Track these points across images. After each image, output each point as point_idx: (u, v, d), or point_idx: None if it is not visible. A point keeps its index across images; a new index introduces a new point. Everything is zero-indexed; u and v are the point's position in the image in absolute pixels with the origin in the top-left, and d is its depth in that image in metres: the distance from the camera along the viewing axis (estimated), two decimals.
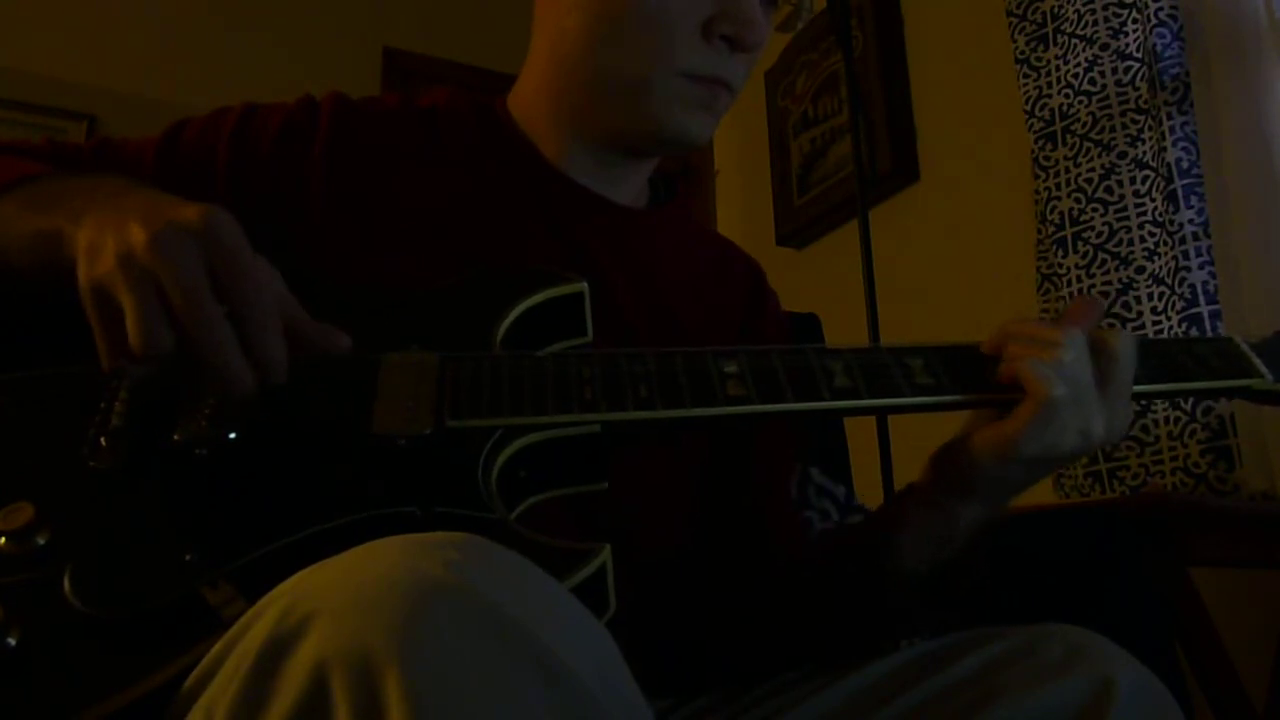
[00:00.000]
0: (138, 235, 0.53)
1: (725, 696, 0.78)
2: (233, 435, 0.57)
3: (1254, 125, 1.73)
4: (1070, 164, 2.02)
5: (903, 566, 0.73)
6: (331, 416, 0.59)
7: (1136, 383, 0.67)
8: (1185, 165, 1.82)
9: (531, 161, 0.86)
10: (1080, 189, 1.99)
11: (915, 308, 2.43)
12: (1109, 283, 1.91)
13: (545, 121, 0.87)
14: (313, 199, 0.79)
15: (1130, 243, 1.89)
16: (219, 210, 0.54)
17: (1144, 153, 1.90)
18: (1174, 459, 1.74)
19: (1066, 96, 2.05)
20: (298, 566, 0.43)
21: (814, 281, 2.68)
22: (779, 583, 0.83)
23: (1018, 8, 2.19)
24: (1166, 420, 1.78)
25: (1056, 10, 2.10)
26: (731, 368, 0.64)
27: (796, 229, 2.95)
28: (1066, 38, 2.07)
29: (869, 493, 1.59)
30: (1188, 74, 1.87)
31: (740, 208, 3.36)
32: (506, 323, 0.68)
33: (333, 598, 0.39)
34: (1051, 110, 2.08)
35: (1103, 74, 1.99)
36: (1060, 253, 2.00)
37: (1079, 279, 1.96)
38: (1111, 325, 1.78)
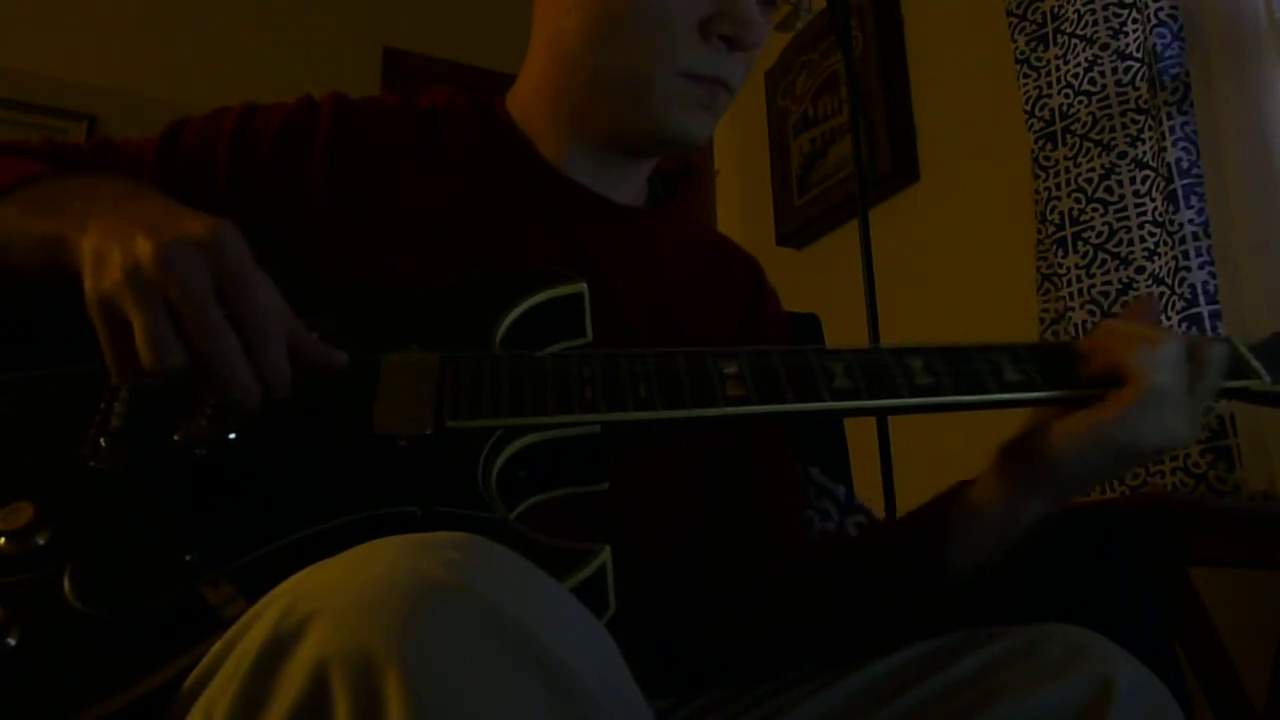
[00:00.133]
0: (144, 248, 0.52)
1: (725, 696, 0.78)
2: (232, 435, 0.57)
3: (1254, 125, 1.73)
4: (1070, 164, 2.02)
5: (951, 564, 0.72)
6: (332, 417, 0.59)
7: None
8: (1185, 165, 1.82)
9: (531, 161, 0.86)
10: (1080, 189, 1.99)
11: (915, 308, 2.43)
12: (1109, 283, 1.91)
13: (545, 121, 0.87)
14: (313, 199, 0.79)
15: (1130, 243, 1.89)
16: (225, 224, 0.54)
17: (1144, 153, 1.90)
18: (1174, 459, 1.74)
19: (1066, 96, 2.05)
20: (298, 566, 0.43)
21: (814, 281, 2.68)
22: (779, 583, 0.83)
23: (1018, 8, 2.19)
24: None
25: (1056, 10, 2.10)
26: (731, 368, 0.64)
27: (796, 229, 2.95)
28: (1066, 38, 2.07)
29: (869, 493, 1.59)
30: (1188, 74, 1.87)
31: (740, 208, 3.36)
32: (506, 323, 0.68)
33: (333, 598, 0.39)
34: (1051, 110, 2.08)
35: (1103, 74, 1.99)
36: (1060, 253, 2.00)
37: (1079, 279, 1.96)
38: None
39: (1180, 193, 1.81)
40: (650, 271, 0.87)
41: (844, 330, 1.65)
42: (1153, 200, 1.87)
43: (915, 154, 2.58)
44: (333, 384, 0.60)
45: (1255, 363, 0.71)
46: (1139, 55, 1.93)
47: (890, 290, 2.20)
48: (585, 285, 0.72)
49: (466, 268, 0.74)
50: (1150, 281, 1.85)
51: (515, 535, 0.53)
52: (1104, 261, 1.92)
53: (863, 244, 2.09)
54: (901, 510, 1.46)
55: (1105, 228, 1.93)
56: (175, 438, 0.57)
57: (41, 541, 0.51)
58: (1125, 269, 1.89)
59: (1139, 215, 1.89)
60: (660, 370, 0.63)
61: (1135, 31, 1.95)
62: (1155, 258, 1.85)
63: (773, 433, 0.90)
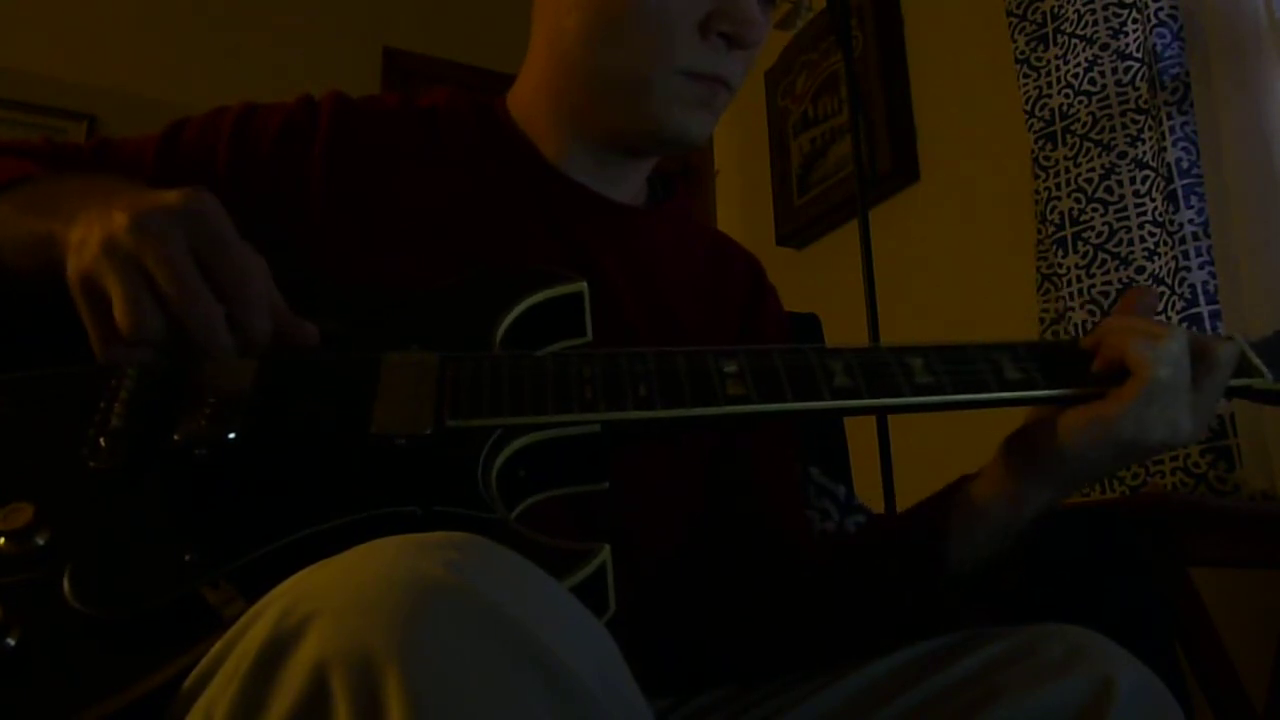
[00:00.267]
0: (120, 221, 0.54)
1: (725, 696, 0.78)
2: (232, 435, 0.57)
3: (1254, 125, 1.73)
4: (1070, 164, 2.02)
5: (949, 562, 0.73)
6: (331, 416, 0.59)
7: None
8: (1185, 165, 1.83)
9: (531, 161, 0.86)
10: (1080, 189, 1.99)
11: (915, 308, 2.43)
12: (1109, 283, 1.91)
13: (545, 121, 0.87)
14: (313, 199, 0.79)
15: (1130, 243, 1.89)
16: (201, 191, 0.55)
17: (1144, 153, 1.90)
18: (1174, 459, 1.74)
19: (1066, 96, 2.05)
20: (298, 566, 0.43)
21: (814, 281, 2.68)
22: (779, 582, 0.83)
23: (1018, 8, 2.19)
24: None
25: (1056, 10, 2.10)
26: (731, 367, 0.64)
27: (796, 229, 2.95)
28: (1066, 38, 2.07)
29: (869, 493, 1.59)
30: (1188, 74, 1.87)
31: (740, 208, 3.36)
32: (506, 322, 0.68)
33: (333, 598, 0.39)
34: (1051, 110, 2.08)
35: (1103, 74, 1.99)
36: (1060, 253, 2.00)
37: (1079, 279, 1.96)
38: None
39: (1180, 193, 1.81)
40: (650, 271, 0.87)
41: (844, 330, 1.65)
42: (1153, 200, 1.87)
43: (915, 154, 2.58)
44: (332, 383, 0.60)
45: (1257, 361, 0.71)
46: (1139, 55, 1.93)
47: (890, 290, 2.20)
48: (585, 285, 0.72)
49: (466, 267, 0.74)
50: (1150, 281, 1.85)
51: (515, 535, 0.53)
52: (1104, 261, 1.92)
53: (863, 244, 2.09)
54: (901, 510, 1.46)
55: (1105, 228, 1.93)
56: (175, 437, 0.56)
57: (41, 542, 0.51)
58: (1125, 269, 1.89)
59: (1139, 215, 1.89)
60: (660, 369, 0.63)
61: (1135, 31, 1.95)
62: (1155, 258, 1.85)
63: (773, 432, 0.90)
